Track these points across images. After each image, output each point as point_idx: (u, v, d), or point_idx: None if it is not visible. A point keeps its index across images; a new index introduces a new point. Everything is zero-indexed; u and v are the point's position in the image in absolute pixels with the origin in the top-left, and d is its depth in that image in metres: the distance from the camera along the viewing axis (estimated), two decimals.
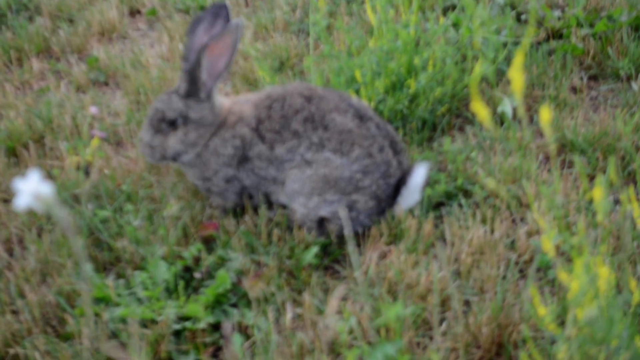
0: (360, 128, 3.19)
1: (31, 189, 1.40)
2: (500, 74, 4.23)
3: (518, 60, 1.63)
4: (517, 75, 1.67)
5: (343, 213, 3.17)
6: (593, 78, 4.28)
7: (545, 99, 3.99)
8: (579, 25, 4.47)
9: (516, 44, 4.32)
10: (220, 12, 3.31)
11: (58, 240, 3.26)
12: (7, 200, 3.70)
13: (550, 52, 4.36)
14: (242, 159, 3.29)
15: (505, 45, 4.23)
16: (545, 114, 1.72)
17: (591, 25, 4.46)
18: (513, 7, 4.83)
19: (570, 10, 4.57)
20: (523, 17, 4.73)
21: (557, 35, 4.55)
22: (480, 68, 3.73)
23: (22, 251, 3.32)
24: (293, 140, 3.20)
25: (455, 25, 4.49)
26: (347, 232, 3.18)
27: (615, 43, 4.33)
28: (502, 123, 3.88)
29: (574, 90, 4.16)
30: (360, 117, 3.22)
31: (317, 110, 3.20)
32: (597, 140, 3.60)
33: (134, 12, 5.71)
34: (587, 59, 4.32)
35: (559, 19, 4.57)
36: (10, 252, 3.34)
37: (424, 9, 4.88)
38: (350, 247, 2.11)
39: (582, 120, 3.85)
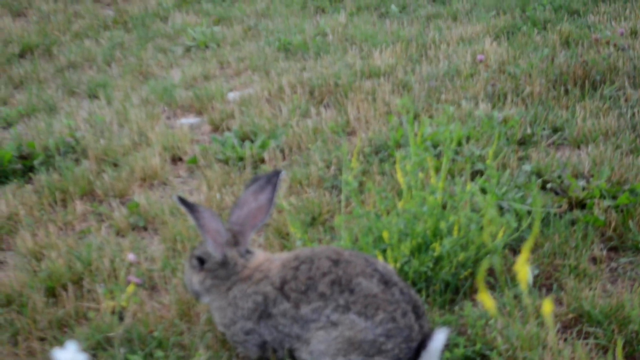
0: (385, 293, 3.32)
1: (67, 358, 1.56)
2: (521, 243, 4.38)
3: (523, 257, 1.78)
4: (522, 270, 1.82)
5: None
6: (613, 249, 4.41)
7: (565, 268, 4.12)
8: (602, 196, 4.64)
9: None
10: (273, 180, 3.59)
11: None
12: (43, 339, 3.86)
13: (573, 222, 4.51)
14: (264, 315, 3.44)
15: (529, 213, 4.40)
16: (548, 307, 1.86)
17: (614, 198, 4.62)
18: (539, 175, 5.01)
19: (594, 182, 4.75)
20: (549, 185, 4.91)
21: (580, 205, 4.71)
22: (487, 259, 3.91)
23: None
24: (319, 301, 3.34)
25: (483, 190, 4.68)
26: None
27: (637, 216, 4.48)
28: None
29: (594, 260, 4.28)
30: (385, 282, 3.36)
31: (344, 274, 3.35)
32: (614, 313, 3.71)
33: (175, 160, 5.96)
34: (608, 230, 4.46)
35: (584, 189, 4.74)
36: None
37: (453, 172, 5.08)
38: None
39: (600, 291, 3.97)
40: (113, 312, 3.95)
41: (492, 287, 4.09)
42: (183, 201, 3.49)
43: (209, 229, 3.53)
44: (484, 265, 1.82)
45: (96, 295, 4.15)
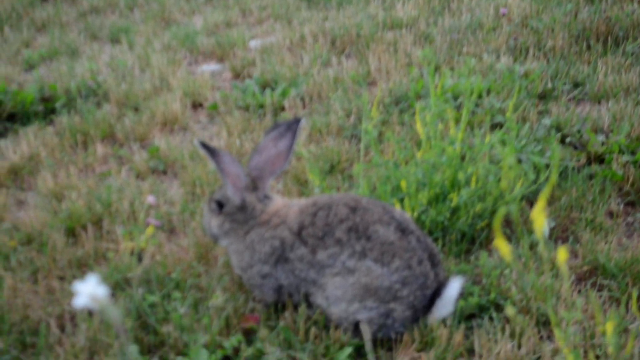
0: (401, 240, 3.35)
1: (89, 291, 1.60)
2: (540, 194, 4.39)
3: (540, 206, 1.80)
4: (539, 219, 1.83)
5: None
6: (630, 204, 4.42)
7: (581, 222, 4.14)
8: (621, 152, 4.63)
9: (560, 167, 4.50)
10: (293, 127, 3.61)
11: (107, 320, 3.45)
12: (62, 278, 3.92)
13: (591, 176, 4.52)
14: (281, 259, 3.48)
15: (547, 166, 4.41)
16: (562, 255, 1.87)
17: (632, 153, 4.62)
18: (559, 129, 5.01)
19: (614, 137, 4.74)
20: (568, 139, 4.91)
21: (598, 159, 4.71)
22: (504, 208, 3.92)
23: (73, 328, 3.51)
24: (336, 247, 3.37)
25: (502, 142, 4.68)
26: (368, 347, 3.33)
27: None
28: (537, 241, 4.04)
29: (610, 214, 4.30)
30: (402, 230, 3.39)
31: (362, 221, 3.38)
32: (629, 267, 3.72)
33: (196, 106, 6.00)
34: (626, 185, 4.47)
35: (603, 144, 4.74)
36: (62, 328, 3.53)
37: (473, 124, 5.09)
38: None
39: (616, 245, 3.98)
40: (132, 253, 4.01)
41: (508, 238, 4.11)
42: (204, 145, 3.52)
43: (229, 173, 3.56)
44: (501, 213, 1.84)
45: (115, 237, 4.21)
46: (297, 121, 3.66)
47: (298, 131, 3.64)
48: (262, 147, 3.62)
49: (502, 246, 1.85)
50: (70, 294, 3.72)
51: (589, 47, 6.27)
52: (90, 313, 3.59)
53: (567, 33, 6.44)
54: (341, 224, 3.39)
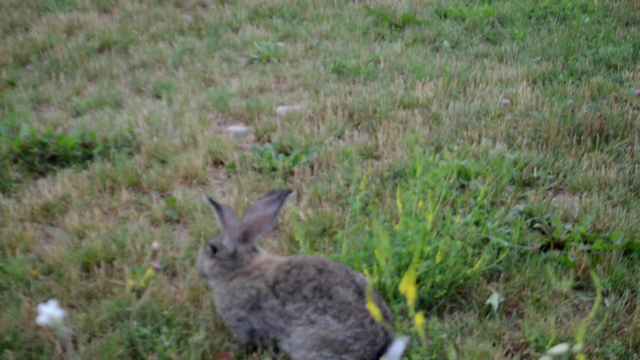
0: (357, 302, 3.93)
1: (49, 312, 2.20)
2: (498, 272, 4.92)
3: (408, 277, 2.34)
4: (410, 290, 2.37)
5: None
6: (579, 289, 4.89)
7: (529, 300, 4.65)
8: (580, 241, 5.13)
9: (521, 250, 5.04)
10: (282, 197, 4.28)
11: (103, 346, 4.07)
12: (72, 306, 4.54)
13: (548, 260, 5.03)
14: (256, 307, 4.07)
15: (511, 248, 4.97)
16: (419, 319, 2.40)
17: (591, 243, 5.12)
18: (530, 215, 5.55)
19: (578, 227, 5.26)
20: (536, 225, 5.44)
21: (560, 246, 5.21)
22: (469, 273, 4.47)
23: (74, 350, 4.13)
24: (302, 302, 3.96)
25: (477, 222, 5.23)
26: None
27: (605, 262, 4.98)
28: (487, 313, 4.57)
29: (558, 296, 4.79)
30: (360, 293, 3.96)
31: (326, 281, 3.97)
32: (553, 343, 4.20)
33: (217, 163, 6.61)
34: (578, 271, 4.95)
35: (568, 232, 5.25)
36: (64, 349, 4.14)
37: (456, 203, 5.62)
38: None
39: (554, 322, 4.48)
40: (133, 290, 4.61)
41: (461, 309, 4.63)
42: (211, 200, 4.17)
43: (227, 225, 4.20)
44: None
45: (124, 275, 4.82)
46: (287, 192, 4.30)
47: (285, 201, 4.28)
48: (254, 207, 4.24)
49: (410, 292, 2.34)
50: (79, 321, 4.36)
51: (579, 142, 6.78)
52: (89, 339, 4.21)
53: (563, 126, 6.97)
54: (308, 283, 3.98)
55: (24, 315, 4.37)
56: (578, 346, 2.26)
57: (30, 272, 4.80)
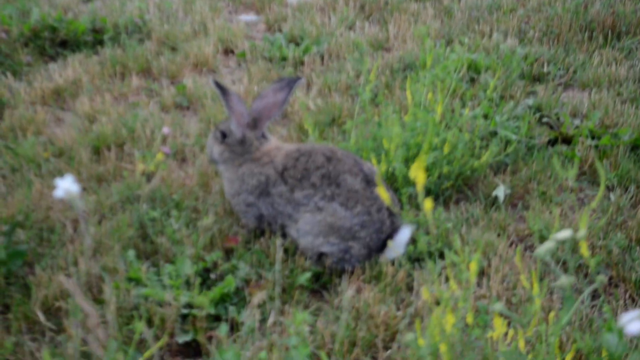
0: (365, 190, 3.96)
1: (65, 186, 2.23)
2: (505, 165, 4.96)
3: (419, 163, 2.35)
4: (420, 175, 2.39)
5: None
6: (584, 183, 4.95)
7: (535, 192, 4.69)
8: (588, 136, 5.15)
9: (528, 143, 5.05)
10: (291, 84, 4.24)
11: (113, 228, 4.13)
12: (84, 189, 4.59)
13: (555, 154, 5.05)
14: (264, 193, 4.12)
15: (519, 142, 4.99)
16: (428, 204, 2.42)
17: (598, 138, 5.14)
18: (539, 110, 5.55)
19: (586, 122, 5.27)
20: (545, 119, 5.44)
21: (568, 141, 5.24)
22: (476, 165, 4.49)
23: (85, 230, 4.19)
24: (311, 189, 4.00)
25: (486, 116, 5.24)
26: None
27: (612, 157, 5.01)
28: (492, 204, 4.62)
29: (563, 190, 4.83)
30: (368, 181, 3.99)
31: (334, 169, 3.99)
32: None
33: (227, 51, 6.60)
34: (584, 165, 4.99)
35: (576, 127, 5.26)
36: (75, 229, 4.21)
37: (465, 97, 5.62)
38: None
39: (558, 214, 4.52)
40: (143, 174, 4.66)
41: (467, 200, 4.68)
42: (217, 84, 4.16)
43: (234, 110, 4.20)
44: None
45: (133, 159, 4.87)
46: (296, 79, 4.28)
47: (294, 88, 4.26)
48: (264, 94, 4.24)
49: (420, 177, 2.33)
50: (89, 203, 4.42)
51: (590, 38, 6.74)
52: (100, 221, 4.28)
53: (575, 22, 6.91)
54: (317, 170, 4.00)
55: (35, 196, 4.42)
56: (582, 232, 2.29)
57: (41, 154, 4.85)
